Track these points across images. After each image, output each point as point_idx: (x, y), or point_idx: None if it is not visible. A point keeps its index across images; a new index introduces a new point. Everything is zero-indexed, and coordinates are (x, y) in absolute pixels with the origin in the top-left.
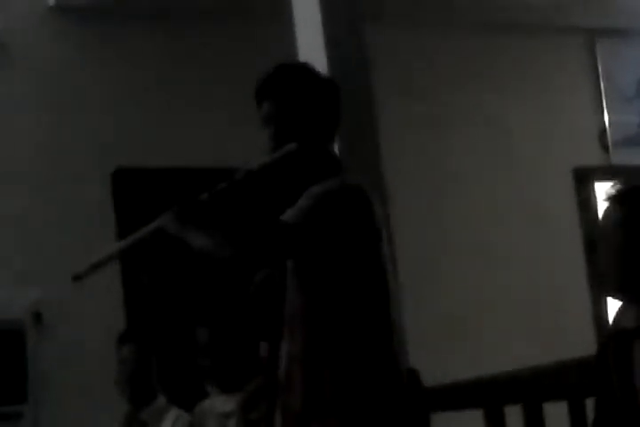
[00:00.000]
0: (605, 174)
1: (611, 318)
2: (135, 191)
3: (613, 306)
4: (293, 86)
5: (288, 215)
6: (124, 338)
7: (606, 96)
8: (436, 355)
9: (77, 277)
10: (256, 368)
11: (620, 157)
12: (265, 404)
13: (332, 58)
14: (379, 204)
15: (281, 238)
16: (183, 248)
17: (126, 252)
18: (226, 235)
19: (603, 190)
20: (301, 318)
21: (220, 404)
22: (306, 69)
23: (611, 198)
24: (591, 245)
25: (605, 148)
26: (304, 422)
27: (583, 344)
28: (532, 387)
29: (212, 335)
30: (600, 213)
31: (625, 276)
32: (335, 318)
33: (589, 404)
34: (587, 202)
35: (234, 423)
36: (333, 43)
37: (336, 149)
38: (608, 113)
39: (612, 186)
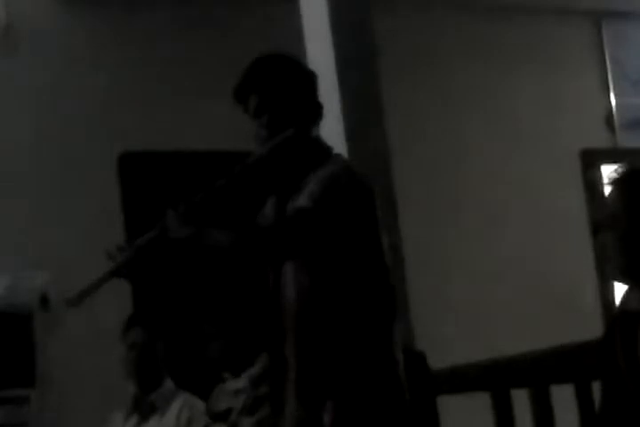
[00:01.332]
0: (612, 157)
1: (618, 302)
2: (142, 175)
3: (620, 289)
4: (278, 76)
5: (302, 202)
6: (131, 322)
7: (613, 79)
8: (444, 338)
9: (71, 303)
10: (262, 348)
11: (627, 140)
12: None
13: (339, 44)
14: (377, 185)
15: (302, 225)
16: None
17: (120, 271)
18: (246, 229)
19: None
20: (307, 309)
21: (232, 383)
22: (285, 58)
23: (614, 182)
24: (598, 228)
25: (612, 130)
26: (318, 398)
27: (590, 328)
28: (538, 370)
29: (218, 324)
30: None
31: (630, 260)
32: (341, 310)
33: (596, 387)
34: (593, 184)
35: (243, 399)
36: (340, 29)
37: (343, 136)
38: (615, 96)
39: (615, 170)
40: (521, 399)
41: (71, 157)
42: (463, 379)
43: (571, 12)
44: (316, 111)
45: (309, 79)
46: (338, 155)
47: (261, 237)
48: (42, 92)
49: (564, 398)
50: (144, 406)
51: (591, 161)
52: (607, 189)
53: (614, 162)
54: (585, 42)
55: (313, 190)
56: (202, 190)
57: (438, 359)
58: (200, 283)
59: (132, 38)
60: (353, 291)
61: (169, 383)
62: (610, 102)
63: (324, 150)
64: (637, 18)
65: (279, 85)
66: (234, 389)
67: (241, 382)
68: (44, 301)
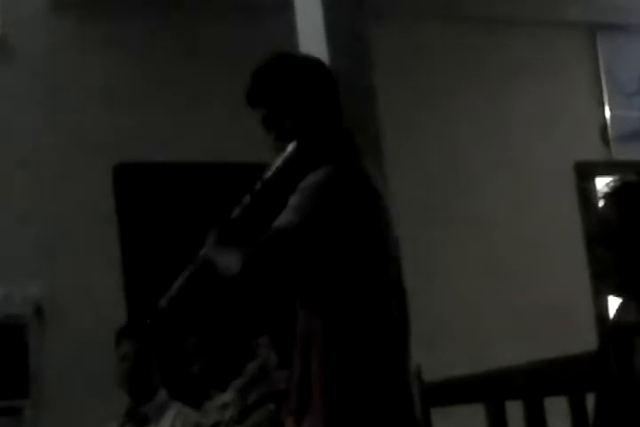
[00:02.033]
0: (606, 169)
1: (612, 314)
2: (137, 186)
3: (615, 302)
4: (282, 87)
5: (282, 219)
6: (123, 334)
7: (607, 91)
8: (438, 350)
9: (159, 310)
10: (244, 360)
11: (622, 152)
12: (264, 388)
13: (333, 50)
14: (383, 188)
15: (277, 249)
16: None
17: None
18: (236, 253)
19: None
20: (316, 335)
21: (219, 397)
22: (288, 63)
23: (606, 196)
24: (592, 242)
25: (607, 143)
26: (299, 414)
27: (585, 340)
28: (532, 382)
29: (200, 343)
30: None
31: (624, 273)
32: (350, 329)
33: (590, 399)
34: (588, 197)
35: (230, 411)
36: (334, 34)
37: None
38: (609, 108)
39: (607, 184)
40: (515, 411)
41: (66, 166)
42: (457, 391)
43: (565, 24)
44: (332, 109)
45: (317, 78)
46: (348, 156)
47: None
48: (37, 100)
49: (558, 410)
50: (137, 418)
51: (585, 173)
52: (600, 203)
53: (608, 174)
54: (580, 54)
55: (291, 205)
56: (235, 207)
57: (433, 371)
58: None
59: (128, 45)
60: (362, 319)
61: (162, 394)
62: (604, 115)
63: (334, 152)
64: (632, 30)
65: (285, 97)
66: (221, 403)
67: (227, 396)
68: (39, 311)
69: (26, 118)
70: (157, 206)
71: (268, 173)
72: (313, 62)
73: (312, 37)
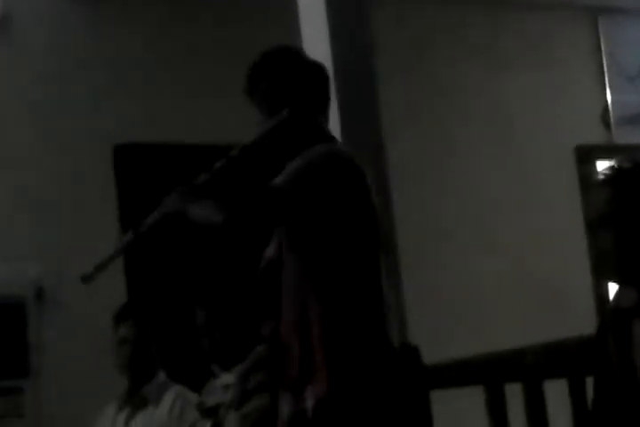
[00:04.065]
0: (607, 153)
1: (611, 298)
2: (137, 167)
3: (614, 286)
4: (281, 67)
5: (278, 179)
6: (122, 316)
7: (609, 75)
8: (437, 332)
9: (86, 279)
10: (254, 343)
11: (623, 136)
12: (265, 375)
13: (336, 41)
14: (370, 175)
15: (270, 202)
16: (185, 226)
17: (131, 246)
18: (219, 202)
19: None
20: (295, 287)
21: (223, 378)
22: (289, 51)
23: (605, 182)
24: (591, 227)
25: (608, 126)
26: (299, 387)
27: (584, 325)
28: (532, 365)
29: (210, 316)
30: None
31: (622, 261)
32: (327, 285)
33: (589, 382)
34: (588, 180)
35: (231, 394)
36: (337, 25)
37: (339, 133)
38: (611, 92)
39: (605, 169)
40: (515, 394)
41: (67, 148)
42: (457, 373)
43: (567, 7)
44: (321, 101)
45: (314, 70)
46: (335, 141)
47: (224, 208)
48: (39, 82)
49: (557, 393)
50: (136, 399)
51: (586, 157)
52: (597, 190)
53: (609, 158)
54: (581, 38)
55: (290, 169)
56: (203, 173)
57: (432, 353)
58: (194, 273)
59: (128, 26)
60: (341, 276)
61: (162, 376)
62: (606, 98)
63: (325, 137)
64: (634, 14)
65: (280, 75)
66: (224, 384)
67: (231, 377)
68: (39, 291)
69: (26, 96)
70: (157, 187)
71: (249, 140)
72: (315, 62)
73: (314, 26)
